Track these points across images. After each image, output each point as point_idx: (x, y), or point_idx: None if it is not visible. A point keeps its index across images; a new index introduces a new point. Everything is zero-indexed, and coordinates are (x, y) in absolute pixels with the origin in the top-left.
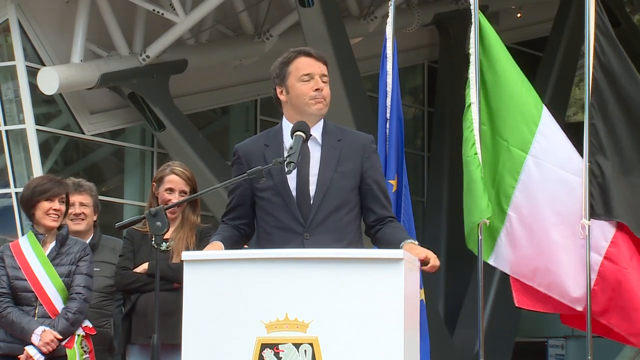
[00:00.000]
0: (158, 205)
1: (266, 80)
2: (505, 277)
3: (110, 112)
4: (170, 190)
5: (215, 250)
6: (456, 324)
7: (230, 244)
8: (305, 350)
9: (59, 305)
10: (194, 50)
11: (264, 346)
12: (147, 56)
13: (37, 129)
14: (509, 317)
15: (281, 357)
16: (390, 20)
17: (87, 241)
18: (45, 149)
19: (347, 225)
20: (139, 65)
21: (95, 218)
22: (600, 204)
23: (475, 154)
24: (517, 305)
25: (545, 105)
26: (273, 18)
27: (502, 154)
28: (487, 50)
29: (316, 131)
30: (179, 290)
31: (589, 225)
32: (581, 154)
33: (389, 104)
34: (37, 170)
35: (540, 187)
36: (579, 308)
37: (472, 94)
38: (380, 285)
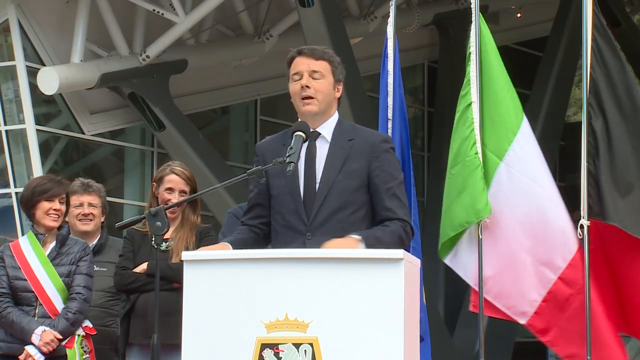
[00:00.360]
0: (158, 205)
1: (266, 80)
2: None
3: (110, 112)
4: (170, 190)
5: (215, 250)
6: (456, 324)
7: (241, 247)
8: (305, 350)
9: (59, 305)
10: (194, 50)
11: (264, 346)
12: (147, 56)
13: (37, 129)
14: None
15: (281, 357)
16: (391, 20)
17: (95, 242)
18: (45, 149)
19: (352, 225)
20: (139, 65)
21: (102, 219)
22: (598, 204)
23: (476, 153)
24: (470, 310)
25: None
26: (273, 18)
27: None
28: (483, 52)
29: (326, 130)
30: (178, 290)
31: (587, 226)
32: (580, 154)
33: (391, 103)
34: (37, 170)
35: (507, 197)
36: (522, 321)
37: (473, 93)
38: (380, 285)
